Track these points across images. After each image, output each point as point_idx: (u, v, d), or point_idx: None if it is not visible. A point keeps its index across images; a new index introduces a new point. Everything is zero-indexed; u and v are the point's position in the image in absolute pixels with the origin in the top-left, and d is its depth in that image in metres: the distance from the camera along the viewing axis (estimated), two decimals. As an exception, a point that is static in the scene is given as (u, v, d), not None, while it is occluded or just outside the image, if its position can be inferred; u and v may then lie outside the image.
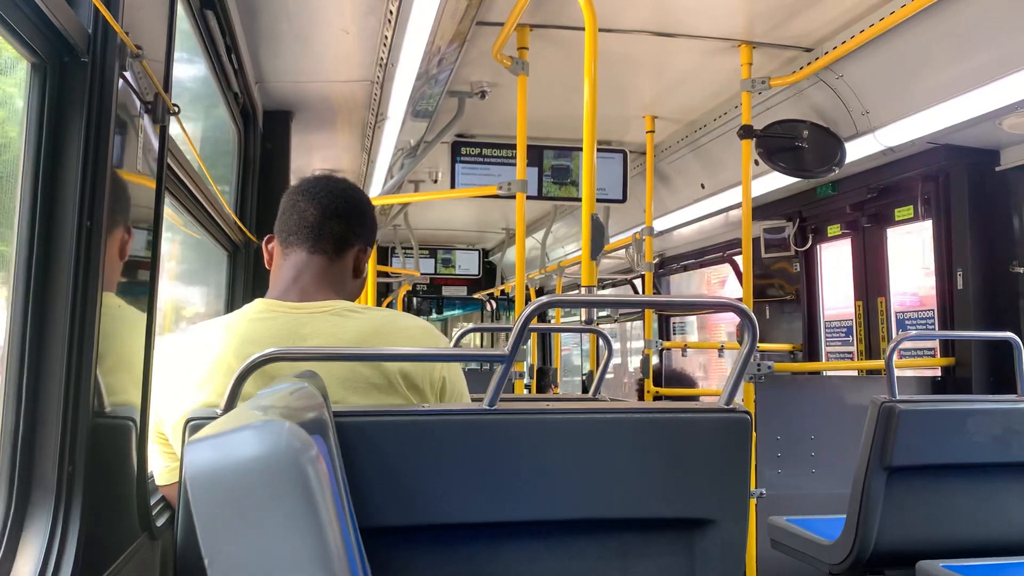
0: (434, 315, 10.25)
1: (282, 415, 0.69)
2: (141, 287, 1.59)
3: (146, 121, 1.53)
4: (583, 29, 2.44)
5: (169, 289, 2.94)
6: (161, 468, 1.61)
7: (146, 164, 1.55)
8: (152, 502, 1.62)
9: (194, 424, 1.19)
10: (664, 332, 6.94)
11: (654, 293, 5.63)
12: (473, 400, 1.57)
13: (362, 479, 1.20)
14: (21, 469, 1.17)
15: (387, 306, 7.49)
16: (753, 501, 3.33)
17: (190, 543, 1.16)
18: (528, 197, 3.76)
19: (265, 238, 1.68)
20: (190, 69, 2.62)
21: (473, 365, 6.20)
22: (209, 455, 0.60)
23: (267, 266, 1.66)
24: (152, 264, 1.62)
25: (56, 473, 1.19)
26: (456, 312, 10.76)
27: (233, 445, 0.60)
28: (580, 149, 3.81)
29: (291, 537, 0.59)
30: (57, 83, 1.25)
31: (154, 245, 1.63)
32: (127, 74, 1.38)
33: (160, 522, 1.63)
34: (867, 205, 4.09)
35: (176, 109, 1.66)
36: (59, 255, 1.23)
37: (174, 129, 1.82)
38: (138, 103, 1.48)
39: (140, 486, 1.52)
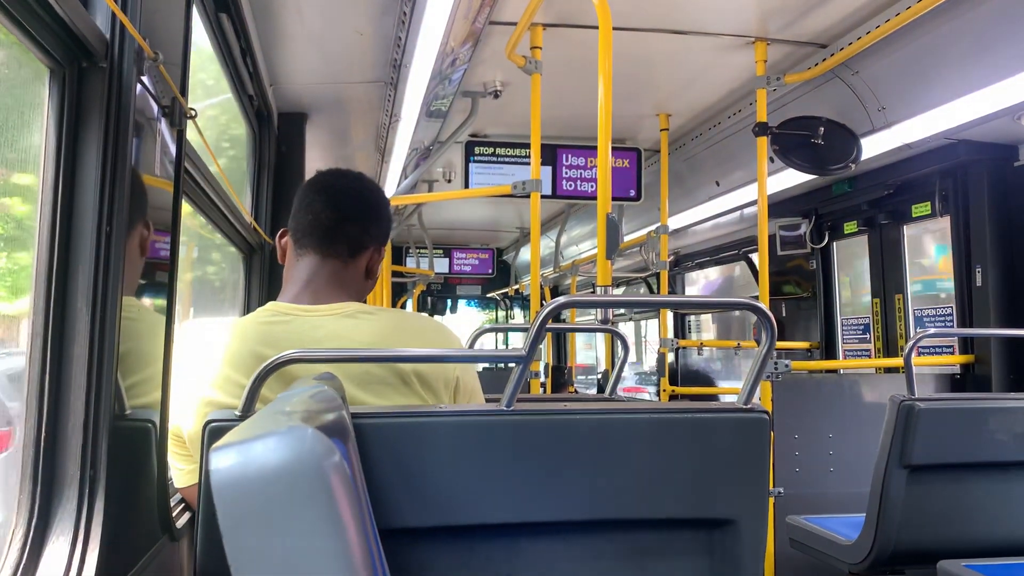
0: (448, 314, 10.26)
1: (303, 419, 0.69)
2: (160, 290, 1.60)
3: (163, 125, 1.54)
4: (597, 28, 2.43)
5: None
6: (179, 470, 1.61)
7: (164, 168, 1.56)
8: (172, 503, 1.63)
9: (214, 427, 1.19)
10: (680, 330, 6.92)
11: (669, 292, 5.62)
12: (489, 400, 1.57)
13: (380, 480, 1.20)
14: (44, 471, 1.18)
15: (402, 306, 7.51)
16: (771, 500, 3.31)
17: (211, 545, 1.17)
18: (542, 196, 3.76)
19: (278, 233, 1.65)
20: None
21: (487, 365, 6.19)
22: (234, 461, 0.60)
23: (280, 261, 1.64)
24: (171, 267, 1.63)
25: (79, 475, 1.20)
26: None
27: (257, 451, 0.60)
28: (595, 148, 3.80)
29: (315, 544, 0.59)
30: (76, 88, 1.26)
31: (172, 248, 1.64)
32: (145, 79, 1.38)
33: (180, 524, 1.64)
34: (884, 202, 4.05)
35: (193, 113, 1.67)
36: (79, 259, 1.24)
37: (191, 132, 1.83)
38: (155, 107, 1.49)
39: (161, 488, 1.53)
